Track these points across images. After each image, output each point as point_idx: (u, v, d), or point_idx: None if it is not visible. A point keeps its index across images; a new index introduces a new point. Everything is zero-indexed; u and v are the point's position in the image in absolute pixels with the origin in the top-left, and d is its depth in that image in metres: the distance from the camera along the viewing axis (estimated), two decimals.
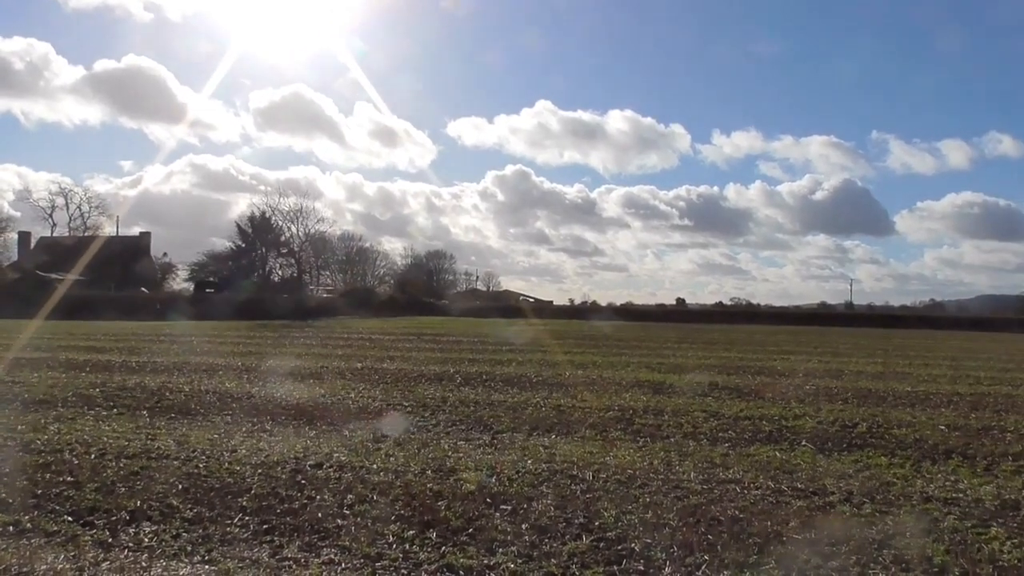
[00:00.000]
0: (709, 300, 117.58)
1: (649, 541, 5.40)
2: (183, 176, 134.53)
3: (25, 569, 4.71)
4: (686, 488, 6.91)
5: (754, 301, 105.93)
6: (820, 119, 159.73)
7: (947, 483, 7.28)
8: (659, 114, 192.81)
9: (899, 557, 5.16)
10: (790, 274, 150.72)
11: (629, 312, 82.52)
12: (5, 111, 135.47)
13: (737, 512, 6.17)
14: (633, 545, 5.32)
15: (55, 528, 5.52)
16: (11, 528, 5.51)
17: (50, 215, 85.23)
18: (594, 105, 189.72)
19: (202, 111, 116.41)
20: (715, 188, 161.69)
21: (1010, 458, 8.50)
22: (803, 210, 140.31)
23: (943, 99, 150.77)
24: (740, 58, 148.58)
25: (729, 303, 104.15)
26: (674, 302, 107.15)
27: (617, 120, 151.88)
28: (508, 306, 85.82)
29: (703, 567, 4.95)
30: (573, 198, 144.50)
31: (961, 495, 6.83)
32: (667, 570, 4.89)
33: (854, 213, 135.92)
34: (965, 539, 5.59)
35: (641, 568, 4.92)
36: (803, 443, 9.13)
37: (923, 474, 7.65)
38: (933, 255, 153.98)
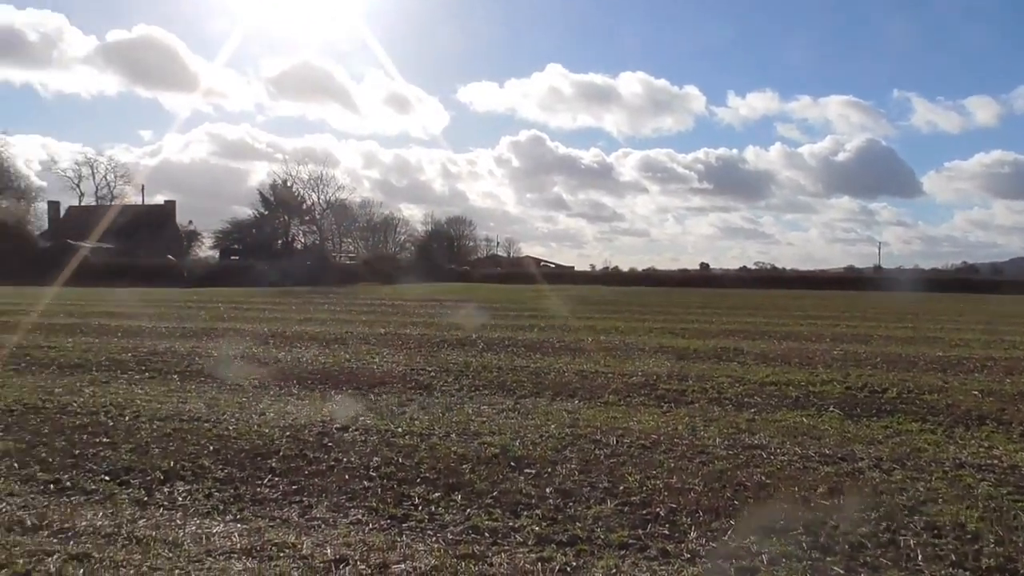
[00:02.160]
0: (732, 265, 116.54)
1: (674, 505, 5.39)
2: (200, 145, 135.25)
3: (67, 525, 4.81)
4: (711, 453, 6.89)
5: (778, 265, 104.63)
6: (838, 79, 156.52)
7: (981, 449, 7.18)
8: (672, 76, 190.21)
9: (931, 523, 5.11)
10: (815, 237, 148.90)
11: (651, 278, 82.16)
12: (24, 83, 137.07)
13: (763, 477, 6.13)
14: (658, 509, 5.31)
15: (93, 487, 5.64)
16: (52, 486, 5.64)
17: (77, 185, 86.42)
18: (605, 67, 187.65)
19: (215, 80, 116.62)
20: (734, 150, 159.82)
21: None
22: (826, 172, 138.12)
23: (967, 54, 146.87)
24: (753, 16, 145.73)
25: (753, 267, 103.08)
26: (697, 267, 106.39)
27: (629, 82, 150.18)
28: (528, 272, 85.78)
29: (729, 532, 4.93)
30: (589, 163, 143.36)
31: (996, 462, 6.74)
32: (692, 534, 4.88)
33: (879, 174, 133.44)
34: (1000, 506, 5.51)
35: (666, 532, 4.91)
36: (831, 409, 9.05)
37: (955, 440, 7.56)
38: (963, 216, 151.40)
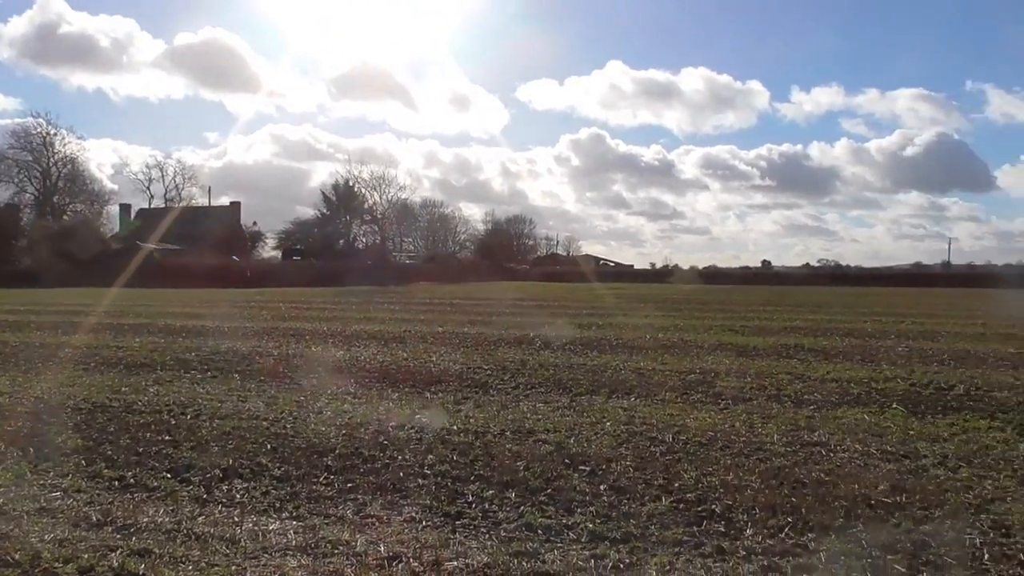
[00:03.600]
0: (795, 262, 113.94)
1: (730, 503, 5.31)
2: (263, 146, 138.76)
3: (129, 521, 4.96)
4: (769, 450, 6.76)
5: (842, 263, 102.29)
6: (907, 71, 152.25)
7: None
8: (735, 71, 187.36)
9: (999, 522, 4.92)
10: (881, 234, 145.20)
11: (712, 275, 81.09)
12: (96, 88, 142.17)
13: (822, 475, 6.00)
14: (714, 507, 5.24)
15: (155, 484, 5.80)
16: (116, 483, 5.82)
17: (147, 187, 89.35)
18: (666, 63, 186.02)
19: (278, 81, 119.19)
20: (798, 146, 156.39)
21: None
22: (893, 167, 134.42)
23: None
24: (817, 8, 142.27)
25: (816, 264, 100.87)
26: (759, 265, 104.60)
27: (691, 78, 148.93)
28: (588, 270, 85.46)
29: (786, 529, 4.83)
30: (649, 160, 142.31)
31: None
32: (749, 531, 4.80)
33: (950, 168, 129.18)
34: None
35: (722, 530, 4.84)
36: (894, 406, 8.79)
37: None
38: None
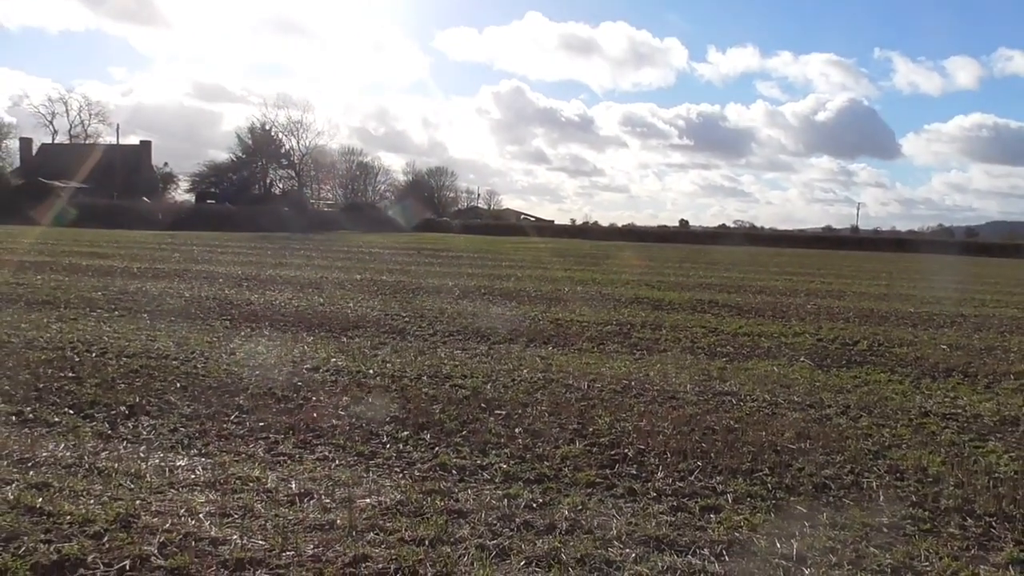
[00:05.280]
0: (711, 223, 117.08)
1: (643, 447, 5.41)
2: (174, 85, 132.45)
3: (27, 455, 4.73)
4: (682, 399, 6.91)
5: (757, 224, 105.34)
6: (819, 35, 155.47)
7: (946, 399, 7.27)
8: (654, 27, 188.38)
9: (894, 467, 5.17)
10: (794, 197, 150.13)
11: (631, 233, 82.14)
12: None
13: (732, 422, 6.17)
14: (626, 450, 5.33)
15: (56, 419, 5.55)
16: (14, 418, 5.55)
17: (50, 122, 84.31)
18: (586, 16, 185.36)
19: (187, 19, 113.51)
20: (715, 107, 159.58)
21: (1012, 377, 8.49)
22: (806, 131, 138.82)
23: (948, 12, 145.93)
24: None
25: (732, 225, 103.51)
26: (677, 224, 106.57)
27: (611, 33, 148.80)
28: (509, 224, 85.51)
29: (695, 472, 4.95)
30: (570, 115, 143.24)
31: (960, 411, 6.82)
32: (660, 474, 4.89)
33: (860, 135, 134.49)
34: (962, 452, 5.58)
35: (634, 472, 4.92)
36: (802, 359, 9.11)
37: (922, 390, 7.64)
38: (941, 179, 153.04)
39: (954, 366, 8.97)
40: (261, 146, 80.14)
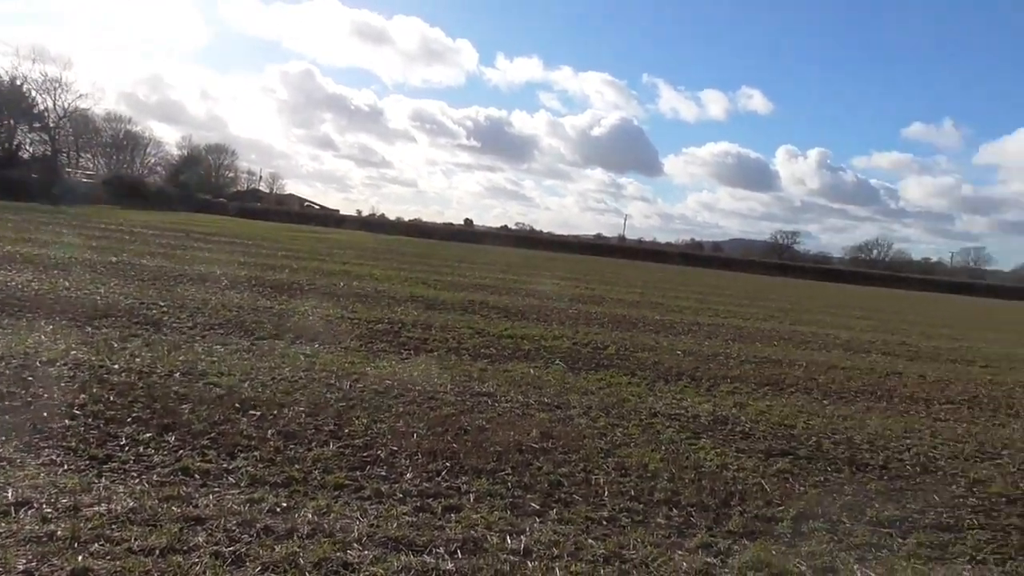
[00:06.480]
0: (495, 223, 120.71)
1: (395, 448, 5.57)
2: None
3: None
4: (441, 399, 7.16)
5: (537, 227, 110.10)
6: (597, 54, 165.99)
7: (673, 400, 8.12)
8: (447, 26, 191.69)
9: (620, 464, 5.72)
10: (570, 204, 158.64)
11: (417, 228, 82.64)
12: None
13: (484, 423, 6.50)
14: (379, 452, 5.46)
15: None
16: None
17: None
18: (380, 7, 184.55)
19: None
20: (503, 112, 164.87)
21: (728, 380, 9.63)
22: (583, 144, 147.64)
23: (703, 47, 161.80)
24: None
25: (514, 228, 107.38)
26: (462, 222, 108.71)
27: (404, 26, 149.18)
28: (292, 211, 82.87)
29: (443, 473, 5.19)
30: (360, 104, 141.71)
31: (683, 411, 7.65)
32: (408, 475, 5.08)
33: (629, 152, 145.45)
34: (679, 448, 6.29)
35: (383, 474, 5.07)
36: (557, 361, 9.74)
37: (655, 392, 8.46)
38: (695, 198, 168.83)
39: (684, 370, 10.01)
40: (8, 102, 71.39)
